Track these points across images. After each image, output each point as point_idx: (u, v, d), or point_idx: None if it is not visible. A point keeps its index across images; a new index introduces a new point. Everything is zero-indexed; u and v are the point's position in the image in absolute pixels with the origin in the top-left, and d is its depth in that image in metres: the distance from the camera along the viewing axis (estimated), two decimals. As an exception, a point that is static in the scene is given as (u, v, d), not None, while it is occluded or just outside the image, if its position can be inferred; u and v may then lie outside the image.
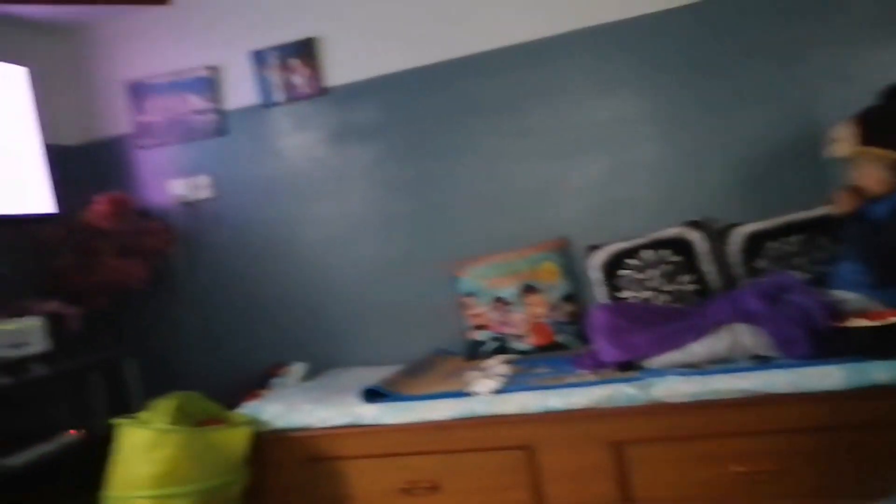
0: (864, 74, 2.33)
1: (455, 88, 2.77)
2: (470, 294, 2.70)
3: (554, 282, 2.64)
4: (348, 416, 2.20)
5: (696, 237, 2.43)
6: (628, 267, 2.48)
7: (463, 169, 2.79)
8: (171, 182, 3.09)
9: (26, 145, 2.81)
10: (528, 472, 2.04)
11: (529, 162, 2.72)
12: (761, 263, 2.34)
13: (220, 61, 3.01)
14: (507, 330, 2.63)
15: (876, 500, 1.54)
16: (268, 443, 2.25)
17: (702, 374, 1.94)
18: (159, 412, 2.14)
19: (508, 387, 2.14)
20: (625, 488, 1.97)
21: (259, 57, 2.94)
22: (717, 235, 2.44)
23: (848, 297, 1.97)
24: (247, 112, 3.00)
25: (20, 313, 2.59)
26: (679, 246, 2.44)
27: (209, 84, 3.01)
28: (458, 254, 2.77)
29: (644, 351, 2.08)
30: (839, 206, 2.11)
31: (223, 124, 3.03)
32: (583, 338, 2.56)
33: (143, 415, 2.15)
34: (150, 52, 3.10)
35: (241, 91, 2.99)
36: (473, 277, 2.70)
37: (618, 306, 2.34)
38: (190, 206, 3.08)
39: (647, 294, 2.44)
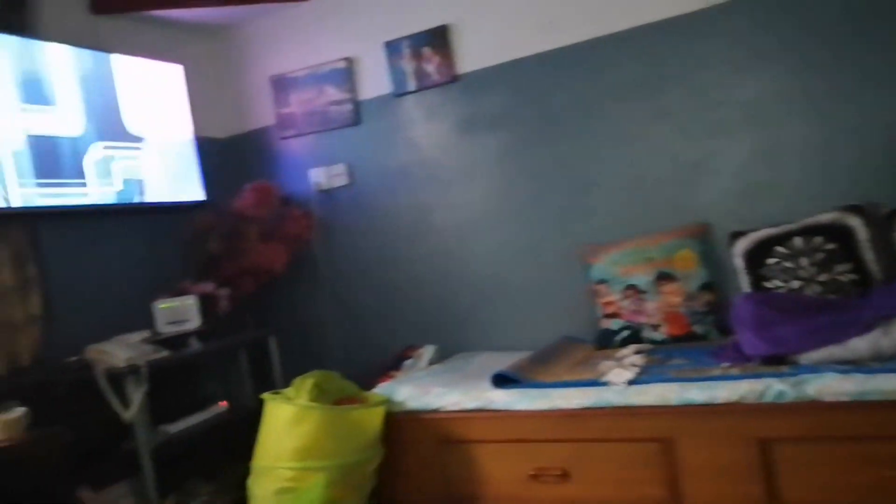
0: None
1: (588, 70, 2.69)
2: (602, 281, 2.64)
3: (691, 270, 2.52)
4: (479, 400, 2.22)
5: (856, 223, 2.23)
6: (776, 255, 2.31)
7: (596, 153, 2.72)
8: (310, 170, 3.24)
9: (182, 138, 3.04)
10: (664, 465, 1.97)
11: (667, 144, 2.60)
12: (933, 252, 2.12)
13: (355, 53, 3.11)
14: (640, 319, 2.55)
15: None
16: (401, 423, 2.32)
17: (864, 371, 1.78)
18: (301, 389, 2.25)
19: (644, 377, 2.07)
20: (771, 489, 1.85)
21: (392, 47, 3.00)
22: (882, 221, 2.23)
23: None
24: (380, 101, 3.09)
25: (179, 293, 2.82)
26: (835, 232, 2.25)
27: (345, 75, 3.12)
28: (589, 240, 2.71)
29: (794, 345, 1.94)
30: None
31: (358, 114, 3.13)
32: (722, 329, 2.44)
33: (287, 391, 2.27)
34: (291, 47, 3.25)
35: (374, 81, 3.07)
36: (606, 264, 2.63)
37: (764, 296, 2.19)
38: (327, 193, 3.22)
39: (797, 284, 2.27)
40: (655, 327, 2.52)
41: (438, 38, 2.91)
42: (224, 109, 3.45)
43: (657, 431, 1.97)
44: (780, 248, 2.31)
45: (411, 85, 2.99)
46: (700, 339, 2.47)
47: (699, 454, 1.92)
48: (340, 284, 3.24)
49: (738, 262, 2.40)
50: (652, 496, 1.99)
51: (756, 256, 2.36)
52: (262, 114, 3.36)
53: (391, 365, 2.84)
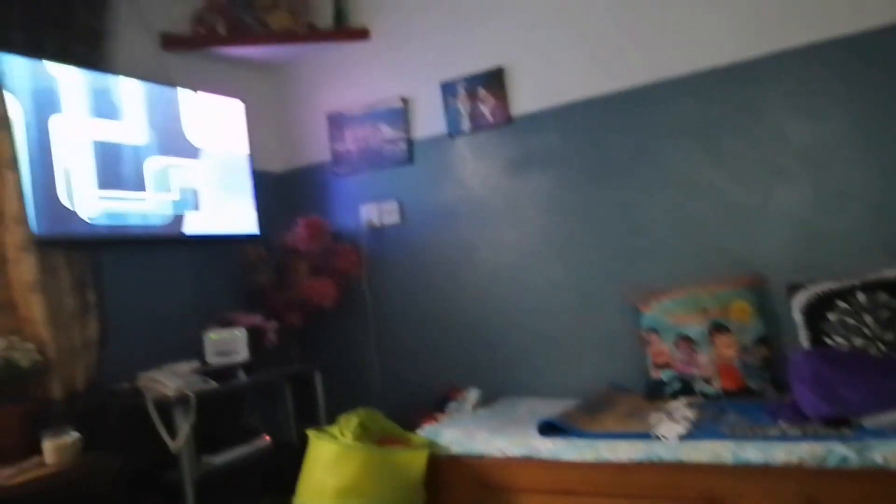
0: None
1: (642, 114, 2.68)
2: (653, 329, 2.58)
3: (746, 322, 2.45)
4: (525, 447, 2.18)
5: (923, 281, 2.15)
6: (838, 310, 2.24)
7: (648, 196, 2.69)
8: (362, 207, 3.28)
9: (239, 171, 3.11)
10: (716, 527, 1.89)
11: (721, 190, 2.56)
12: None
13: (411, 92, 3.16)
14: (692, 370, 2.48)
15: None
16: (444, 467, 2.29)
17: (935, 439, 1.70)
18: (346, 428, 2.24)
19: (696, 433, 2.01)
20: (831, 559, 1.76)
21: (448, 87, 3.05)
22: (951, 280, 2.14)
23: None
24: (433, 141, 3.12)
25: (228, 324, 2.86)
26: (901, 290, 2.17)
27: (400, 114, 3.17)
28: (637, 286, 2.66)
29: (858, 407, 1.86)
30: None
31: (411, 153, 3.17)
32: (778, 385, 2.37)
33: (332, 429, 2.27)
34: (348, 85, 3.33)
35: (429, 120, 3.11)
36: (657, 312, 2.58)
37: (825, 353, 2.11)
38: (378, 230, 3.25)
39: (860, 342, 2.19)
40: (708, 380, 2.45)
41: (494, 80, 2.94)
42: (280, 144, 3.54)
43: (709, 491, 1.91)
44: (841, 304, 2.24)
45: (466, 126, 3.02)
46: (754, 394, 2.38)
47: (753, 517, 1.84)
48: (386, 322, 3.25)
49: (797, 316, 2.33)
50: (703, 559, 1.91)
51: (816, 311, 2.28)
52: (318, 150, 3.42)
53: (435, 406, 2.82)
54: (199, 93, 2.97)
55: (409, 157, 3.17)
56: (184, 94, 2.90)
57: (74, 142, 2.48)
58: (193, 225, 2.87)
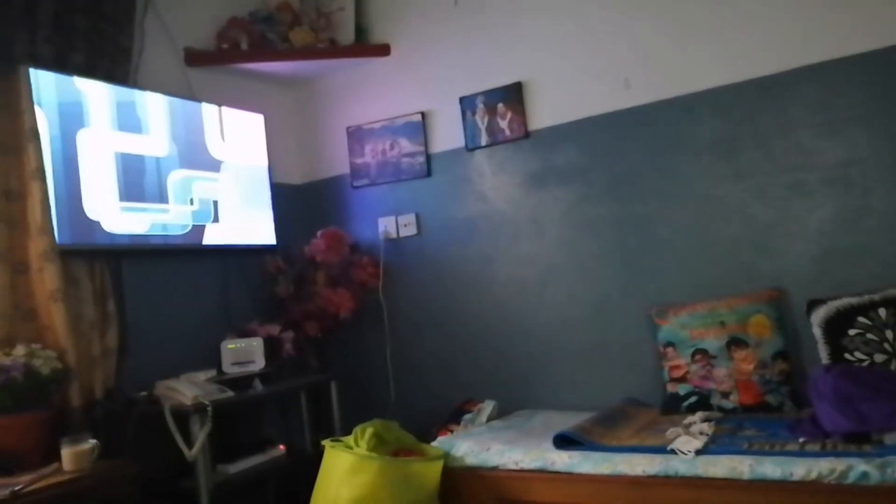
0: None
1: (662, 129, 2.68)
2: (670, 344, 2.56)
3: (765, 337, 2.43)
4: (540, 460, 2.16)
5: (946, 296, 2.12)
6: (859, 326, 2.21)
7: (666, 212, 2.68)
8: (380, 219, 3.30)
9: (259, 183, 3.15)
10: (734, 543, 1.86)
11: (742, 205, 2.55)
12: None
13: (430, 107, 3.19)
14: (709, 385, 2.46)
15: None
16: (459, 479, 2.28)
17: (958, 457, 1.66)
18: (361, 438, 2.25)
19: (713, 447, 1.99)
20: (852, 578, 1.73)
21: (467, 102, 3.07)
22: (975, 295, 2.11)
23: None
24: (451, 154, 3.14)
25: (246, 334, 2.88)
26: (923, 305, 2.14)
27: (419, 128, 3.20)
28: (658, 300, 2.65)
29: (879, 423, 1.83)
30: None
31: (429, 166, 3.19)
32: (797, 400, 2.34)
33: (347, 439, 2.27)
34: (368, 99, 3.37)
35: (447, 134, 3.14)
36: (675, 326, 2.56)
37: (847, 370, 2.08)
38: (395, 242, 3.27)
39: (881, 358, 2.15)
40: (725, 395, 2.42)
41: (513, 95, 2.96)
42: (300, 157, 3.58)
43: (727, 506, 1.88)
44: (863, 319, 2.21)
45: (484, 140, 3.04)
46: (773, 409, 2.36)
47: (773, 534, 1.81)
48: (403, 333, 3.26)
49: (817, 331, 2.30)
50: (720, 576, 1.88)
51: (836, 326, 2.26)
52: (337, 163, 3.46)
53: (449, 418, 2.81)
54: (222, 107, 3.02)
55: (427, 171, 3.20)
56: (206, 109, 2.95)
57: (99, 154, 2.54)
58: (213, 236, 2.91)
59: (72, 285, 2.39)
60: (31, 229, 2.30)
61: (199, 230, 2.86)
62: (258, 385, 2.73)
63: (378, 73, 3.33)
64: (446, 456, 2.30)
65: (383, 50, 3.29)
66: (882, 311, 2.19)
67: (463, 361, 3.10)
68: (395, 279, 3.27)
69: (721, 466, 1.90)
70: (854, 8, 2.36)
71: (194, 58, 3.05)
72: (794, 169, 2.47)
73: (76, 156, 2.46)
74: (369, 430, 2.27)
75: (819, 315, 2.31)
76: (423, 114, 3.20)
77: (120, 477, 2.07)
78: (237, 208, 3.04)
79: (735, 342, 2.44)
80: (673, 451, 1.99)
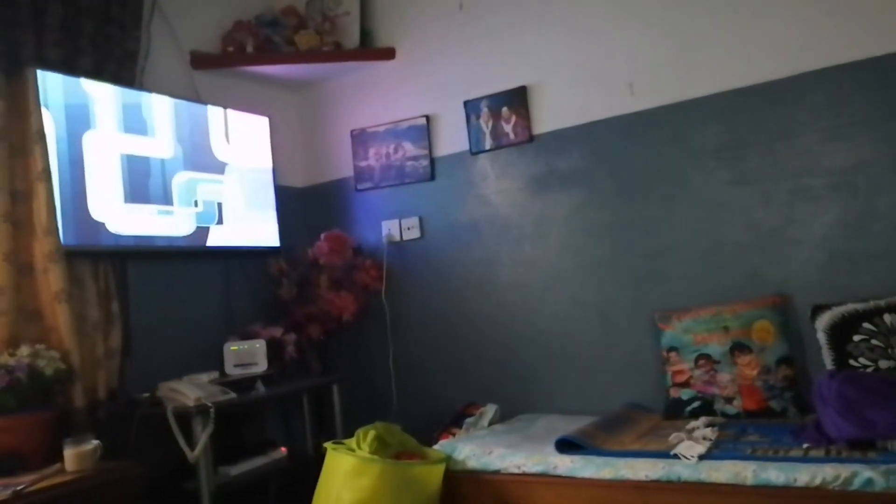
0: None
1: (667, 134, 2.68)
2: (673, 349, 2.56)
3: (769, 342, 2.42)
4: (542, 464, 2.16)
5: (951, 303, 2.11)
6: (864, 332, 2.20)
7: (672, 216, 2.68)
8: (383, 222, 3.31)
9: (263, 186, 3.16)
10: (737, 549, 1.86)
11: (747, 211, 2.54)
12: None
13: (434, 110, 3.20)
14: (712, 390, 2.45)
15: None
16: (460, 482, 2.28)
17: (963, 464, 1.65)
18: (363, 441, 2.24)
19: (716, 453, 1.98)
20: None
21: (471, 106, 3.08)
22: (981, 302, 2.10)
23: None
24: (455, 158, 3.15)
25: (249, 336, 2.89)
26: (929, 311, 2.13)
27: (423, 132, 3.21)
28: (662, 305, 2.65)
29: (884, 430, 1.82)
30: None
31: (433, 170, 3.20)
32: (801, 406, 2.33)
33: (349, 442, 2.27)
34: (372, 103, 3.37)
35: (451, 138, 3.14)
36: (678, 331, 2.55)
37: (852, 376, 2.07)
38: (398, 245, 3.27)
39: (886, 364, 2.14)
40: (729, 400, 2.41)
41: (517, 99, 2.96)
42: (304, 160, 3.59)
43: (730, 512, 1.87)
44: (867, 325, 2.20)
45: (488, 143, 3.04)
46: (776, 415, 2.35)
47: (776, 540, 1.80)
48: (405, 336, 3.25)
49: (821, 336, 2.29)
50: (723, 582, 1.87)
51: (841, 332, 2.25)
52: (341, 166, 3.47)
53: (452, 421, 2.81)
54: (227, 110, 3.03)
55: (431, 174, 3.20)
56: (212, 111, 2.97)
57: (105, 156, 2.55)
58: (217, 238, 2.92)
59: (76, 286, 2.40)
60: (37, 230, 2.31)
61: (203, 232, 2.87)
62: (260, 387, 2.73)
63: (382, 77, 3.33)
64: (448, 459, 2.30)
65: (388, 53, 3.30)
66: (887, 317, 2.18)
67: (466, 365, 3.10)
68: (398, 282, 3.27)
69: (724, 472, 1.89)
70: (859, 13, 2.36)
71: (200, 61, 3.06)
72: (799, 174, 2.46)
73: (82, 157, 2.47)
74: (371, 433, 2.27)
75: (823, 321, 2.30)
76: (427, 117, 3.21)
77: (122, 478, 2.07)
78: (241, 210, 3.04)
79: (739, 347, 2.43)
80: (676, 456, 1.99)
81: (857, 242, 2.37)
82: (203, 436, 2.32)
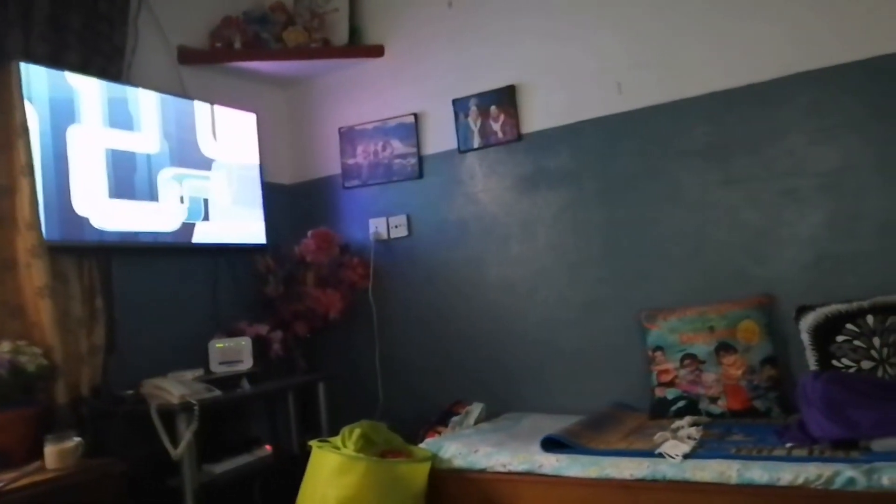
0: None
1: (654, 134, 2.69)
2: (659, 348, 2.57)
3: (754, 342, 2.43)
4: (528, 463, 2.16)
5: (933, 304, 2.13)
6: (847, 333, 2.22)
7: (659, 216, 2.69)
8: (371, 220, 3.30)
9: (250, 182, 3.14)
10: (721, 547, 1.86)
11: (733, 211, 2.56)
12: None
13: (422, 108, 3.19)
14: (697, 390, 2.46)
15: None
16: (446, 480, 2.27)
17: (944, 464, 1.67)
18: (348, 439, 2.23)
19: (701, 452, 1.99)
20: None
21: (459, 104, 3.07)
22: (962, 304, 2.12)
23: None
24: (443, 156, 3.14)
25: (234, 333, 2.87)
26: (911, 313, 2.15)
27: (412, 130, 3.20)
28: (648, 305, 2.65)
29: (867, 430, 1.83)
30: None
31: (421, 168, 3.19)
32: (785, 406, 2.35)
33: (334, 440, 2.26)
34: (360, 100, 3.36)
35: (439, 136, 3.14)
36: (664, 331, 2.56)
37: (837, 376, 2.08)
38: (386, 243, 3.26)
39: (868, 365, 2.16)
40: (713, 400, 2.43)
41: (506, 98, 2.97)
42: (291, 157, 3.57)
43: (714, 511, 1.88)
44: (850, 326, 2.22)
45: (476, 142, 3.04)
46: (761, 415, 2.36)
47: (759, 539, 1.81)
48: (392, 334, 3.25)
49: (805, 337, 2.31)
50: (707, 580, 1.88)
51: (824, 333, 2.27)
52: (328, 163, 3.45)
53: (438, 420, 2.81)
54: (214, 105, 3.01)
55: (419, 172, 3.20)
56: (199, 107, 2.94)
57: (90, 151, 2.52)
58: (203, 234, 2.90)
59: (59, 282, 2.38)
60: (20, 225, 2.28)
61: (188, 228, 2.85)
62: (246, 385, 2.72)
63: (371, 74, 3.32)
64: (434, 458, 2.29)
65: (377, 51, 3.29)
66: (870, 318, 2.20)
67: (452, 363, 3.10)
68: (385, 280, 3.26)
69: (709, 471, 1.90)
70: (846, 16, 2.38)
71: (187, 56, 3.04)
72: (785, 175, 2.48)
73: (66, 152, 2.44)
74: (357, 431, 2.26)
75: (807, 321, 2.31)
76: (415, 115, 3.20)
77: (104, 475, 2.04)
78: (228, 207, 3.02)
79: (724, 347, 2.45)
80: (661, 455, 1.99)
81: (842, 243, 2.39)
82: (187, 433, 2.30)
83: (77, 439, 2.04)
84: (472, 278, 3.07)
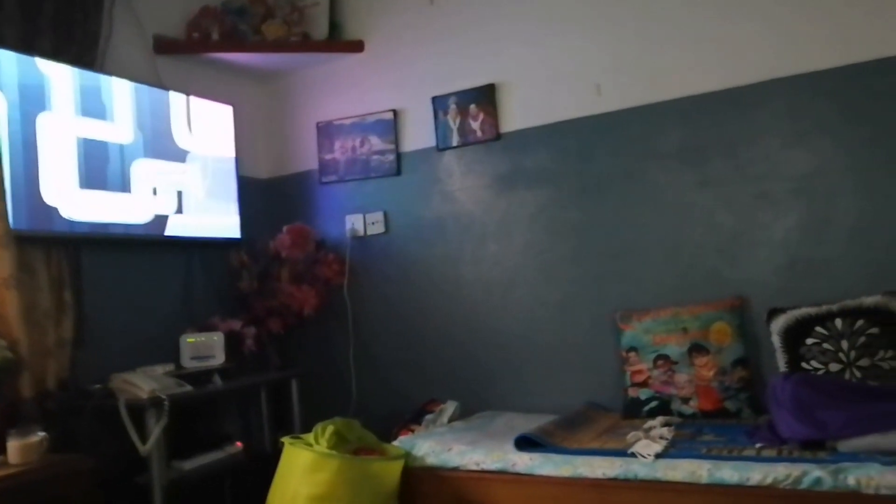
0: None
1: (632, 136, 2.71)
2: (632, 349, 2.59)
3: (726, 344, 2.46)
4: (501, 461, 2.16)
5: (900, 309, 2.17)
6: (816, 335, 2.25)
7: (635, 217, 2.71)
8: (347, 216, 3.27)
9: (225, 176, 3.10)
10: (691, 546, 1.88)
11: (708, 213, 2.59)
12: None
13: (402, 105, 3.18)
14: (669, 390, 2.48)
15: None
16: (419, 478, 2.26)
17: (908, 465, 1.70)
18: (321, 436, 2.21)
19: (673, 452, 2.00)
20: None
21: (439, 102, 3.07)
22: (928, 309, 2.17)
23: None
24: (422, 153, 3.13)
25: (207, 328, 2.83)
26: (879, 317, 2.18)
27: (390, 126, 3.19)
28: (623, 305, 2.67)
29: (835, 431, 1.86)
30: None
31: (399, 164, 3.18)
32: (755, 407, 2.38)
33: (307, 437, 2.24)
34: (339, 95, 3.34)
35: (418, 133, 3.13)
36: (638, 332, 2.58)
37: (805, 378, 2.11)
38: (362, 240, 3.24)
39: (836, 367, 2.20)
40: (685, 400, 2.45)
41: (485, 97, 2.96)
42: (268, 151, 3.53)
43: (685, 510, 1.89)
44: (820, 329, 2.26)
45: (455, 140, 3.04)
46: (731, 415, 2.39)
47: (728, 537, 1.83)
48: (367, 332, 3.23)
49: (776, 339, 2.34)
50: (677, 578, 1.90)
51: (794, 335, 2.30)
52: (305, 158, 3.42)
53: (412, 418, 2.80)
54: (190, 97, 2.96)
55: (397, 169, 3.18)
56: (174, 97, 2.90)
57: (61, 139, 2.47)
58: (176, 227, 2.85)
59: (26, 273, 2.32)
60: (-15, 213, 2.22)
61: (161, 221, 2.80)
62: (217, 380, 2.68)
63: (351, 70, 3.30)
64: (407, 456, 2.28)
65: (357, 46, 3.26)
66: (838, 322, 2.23)
67: (427, 362, 3.09)
68: (360, 278, 3.24)
69: (680, 470, 1.91)
70: (822, 25, 2.42)
71: (164, 46, 2.99)
72: (761, 179, 2.51)
73: (35, 140, 2.39)
74: (330, 428, 2.24)
75: (778, 324, 2.35)
76: (394, 112, 3.18)
77: (70, 471, 2.01)
78: (202, 200, 2.98)
79: (696, 348, 2.47)
80: (633, 455, 2.01)
81: (814, 247, 2.43)
82: (156, 429, 2.26)
83: (42, 434, 2.00)
84: (448, 276, 3.07)
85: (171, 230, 2.83)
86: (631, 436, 2.15)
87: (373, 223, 3.21)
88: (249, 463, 2.72)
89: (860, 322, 2.20)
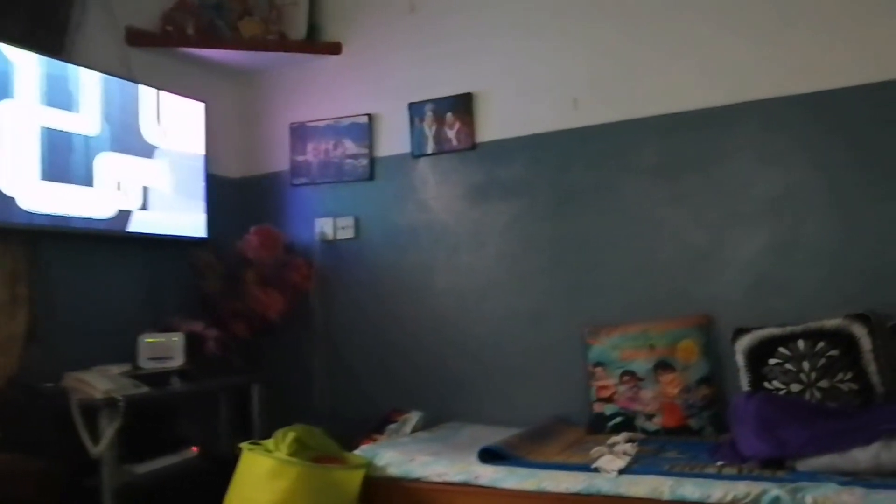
0: None
1: (607, 151, 2.73)
2: (599, 364, 2.59)
3: (692, 361, 2.48)
4: (465, 473, 2.13)
5: (861, 332, 2.19)
6: (778, 356, 2.28)
7: (607, 232, 2.72)
8: (317, 220, 3.23)
9: (193, 173, 3.04)
10: (651, 563, 1.88)
11: (679, 231, 2.61)
12: (940, 370, 2.08)
13: (377, 110, 3.16)
14: (634, 406, 2.49)
15: None
16: (380, 489, 2.22)
17: (865, 485, 1.72)
18: (281, 443, 2.16)
19: (636, 467, 2.01)
20: None
21: (415, 108, 3.05)
22: (888, 334, 2.20)
23: None
24: (396, 160, 3.11)
25: (168, 329, 2.76)
26: (839, 340, 2.21)
27: (365, 131, 3.16)
28: (590, 319, 2.68)
29: (795, 449, 1.88)
30: None
31: (372, 170, 3.15)
32: (718, 425, 2.40)
33: (266, 443, 2.19)
34: (314, 97, 3.30)
35: (393, 139, 3.10)
36: (606, 347, 2.59)
37: (768, 397, 2.14)
38: (332, 244, 3.20)
39: (797, 388, 2.22)
40: (650, 417, 2.46)
41: (462, 105, 2.96)
42: (239, 150, 3.47)
43: (646, 526, 1.89)
44: (782, 350, 2.28)
45: (430, 147, 3.02)
46: (694, 433, 2.41)
47: (688, 555, 1.83)
48: (334, 338, 3.18)
49: (740, 358, 2.36)
50: None
51: (758, 355, 2.32)
52: (277, 159, 3.37)
53: (375, 427, 2.76)
54: (161, 91, 2.90)
55: (370, 174, 3.15)
56: (144, 91, 2.83)
57: (22, 128, 2.39)
58: (140, 224, 2.78)
59: (-21, 264, 2.24)
60: (-61, 200, 2.14)
61: (125, 216, 2.73)
62: (176, 382, 2.61)
63: (327, 72, 3.27)
64: (368, 465, 2.25)
65: (334, 48, 3.24)
66: (801, 343, 2.26)
67: (395, 370, 3.05)
68: (329, 283, 3.20)
69: (643, 486, 1.91)
70: (798, 50, 2.46)
71: (136, 38, 2.93)
72: (732, 198, 2.54)
73: (-4, 127, 2.31)
74: (291, 435, 2.19)
75: (743, 343, 2.37)
76: (370, 116, 3.16)
77: (16, 472, 1.93)
78: (168, 197, 2.91)
79: (662, 365, 2.49)
80: (597, 470, 2.00)
81: (780, 268, 2.46)
82: (109, 430, 2.19)
83: (-13, 432, 1.92)
84: (419, 285, 3.04)
85: (134, 226, 2.76)
86: (595, 451, 2.15)
87: (343, 228, 3.17)
88: (206, 468, 2.65)
89: (821, 344, 2.23)
